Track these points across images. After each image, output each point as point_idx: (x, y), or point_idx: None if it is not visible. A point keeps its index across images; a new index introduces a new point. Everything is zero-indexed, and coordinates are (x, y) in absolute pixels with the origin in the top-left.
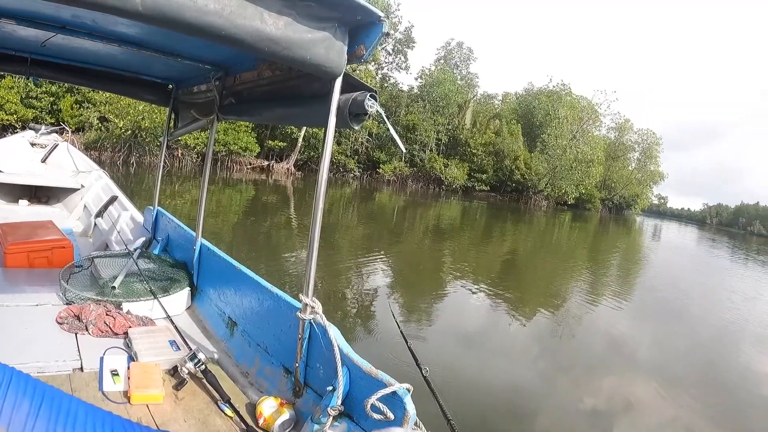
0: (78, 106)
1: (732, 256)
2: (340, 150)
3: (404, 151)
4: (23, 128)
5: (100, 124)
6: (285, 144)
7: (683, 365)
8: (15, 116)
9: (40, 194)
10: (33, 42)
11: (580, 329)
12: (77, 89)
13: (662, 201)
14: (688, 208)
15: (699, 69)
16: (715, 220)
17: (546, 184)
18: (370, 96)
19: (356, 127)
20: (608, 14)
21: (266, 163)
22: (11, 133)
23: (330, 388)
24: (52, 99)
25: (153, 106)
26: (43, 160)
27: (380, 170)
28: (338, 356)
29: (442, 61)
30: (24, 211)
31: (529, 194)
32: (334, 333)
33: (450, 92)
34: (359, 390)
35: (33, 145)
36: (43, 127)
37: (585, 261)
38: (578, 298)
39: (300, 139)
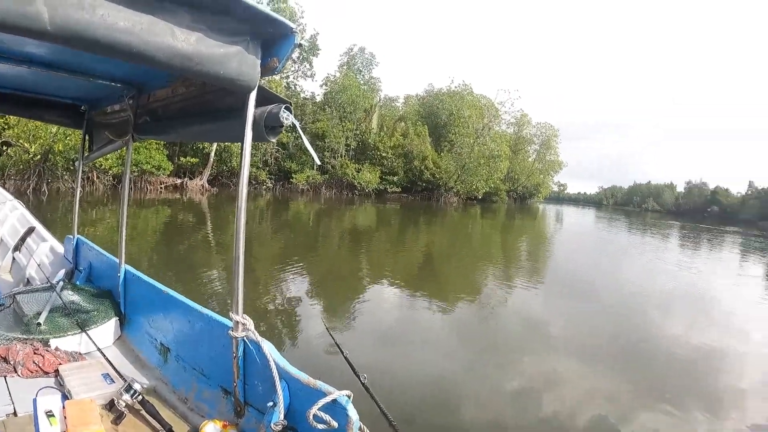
0: None
1: (629, 231)
2: (251, 162)
3: (318, 162)
4: None
5: (12, 150)
6: (197, 160)
7: (597, 338)
8: None
9: None
10: None
11: (500, 314)
12: None
13: (562, 188)
14: (585, 192)
15: (596, 68)
16: (611, 200)
17: (456, 181)
18: (284, 108)
19: (272, 140)
20: (512, 18)
21: (179, 181)
22: None
23: (271, 404)
24: None
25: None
26: None
27: (293, 180)
28: (275, 371)
29: (345, 67)
30: None
31: (440, 192)
32: (268, 348)
33: (356, 97)
34: (300, 402)
35: None
36: None
37: (497, 249)
38: (495, 285)
39: (212, 154)
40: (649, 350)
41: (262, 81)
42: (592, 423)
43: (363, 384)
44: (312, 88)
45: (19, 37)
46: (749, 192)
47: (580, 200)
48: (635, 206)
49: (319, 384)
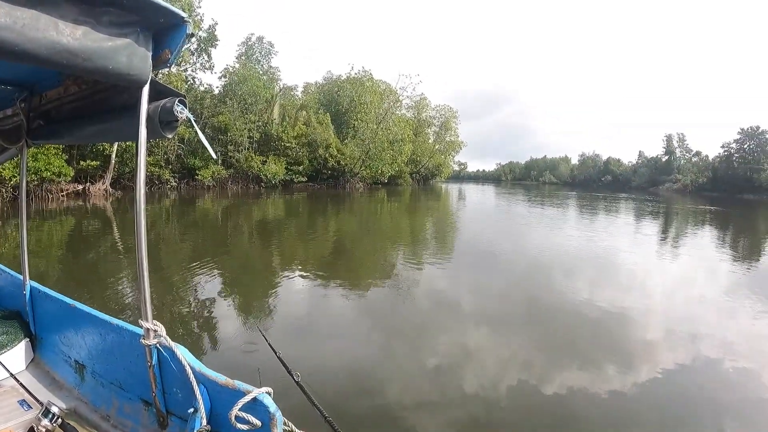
0: None
1: (529, 204)
2: (153, 161)
3: (215, 157)
4: None
5: None
6: (98, 163)
7: (506, 306)
8: None
9: None
10: None
11: (413, 293)
12: None
13: (462, 167)
14: (484, 170)
15: (481, 38)
16: (509, 176)
17: (361, 167)
18: (179, 101)
19: (169, 136)
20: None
21: (80, 186)
22: None
23: (192, 410)
24: None
25: None
26: None
27: (198, 176)
28: (191, 376)
29: (243, 58)
30: None
31: (346, 178)
32: (182, 353)
33: (257, 88)
34: (222, 405)
35: None
36: None
37: (406, 230)
38: (406, 265)
39: (113, 156)
40: (557, 313)
41: (158, 75)
42: (514, 388)
43: (297, 383)
44: (212, 80)
45: None
46: (639, 161)
47: (480, 177)
48: (533, 180)
49: (238, 384)
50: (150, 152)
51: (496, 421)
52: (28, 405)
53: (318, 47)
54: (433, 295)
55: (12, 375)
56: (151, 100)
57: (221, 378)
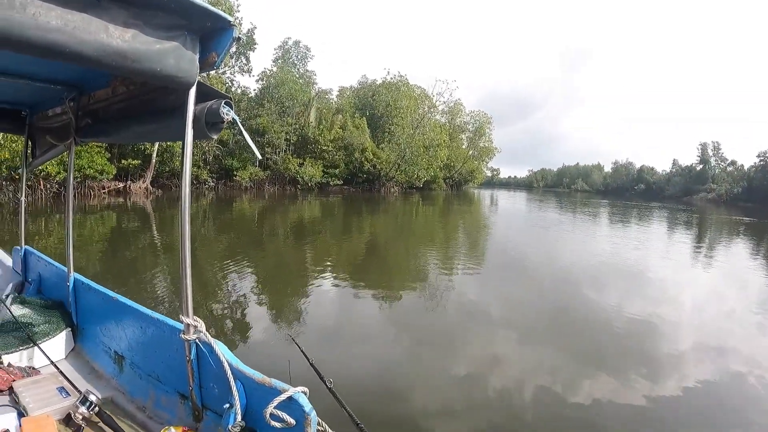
0: None
1: (561, 211)
2: (192, 161)
3: (260, 157)
4: None
5: None
6: (139, 162)
7: (537, 314)
8: None
9: None
10: None
11: (445, 299)
12: None
13: (495, 173)
14: (515, 176)
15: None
16: (541, 183)
17: (396, 171)
18: (224, 103)
19: (214, 137)
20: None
21: (122, 184)
22: None
23: (227, 405)
24: None
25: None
26: None
27: (237, 177)
28: (229, 372)
29: (280, 61)
30: None
31: (381, 182)
32: (221, 349)
33: (295, 91)
34: (257, 402)
35: None
36: None
37: (440, 235)
38: (438, 271)
39: (154, 155)
40: (587, 322)
41: (202, 77)
42: (539, 396)
43: (330, 389)
44: (248, 83)
45: None
46: (673, 170)
47: (512, 184)
48: (565, 187)
49: (274, 382)
50: None
51: (523, 429)
52: (67, 392)
53: (329, 41)
54: (463, 301)
55: (52, 363)
56: (197, 101)
57: (258, 375)
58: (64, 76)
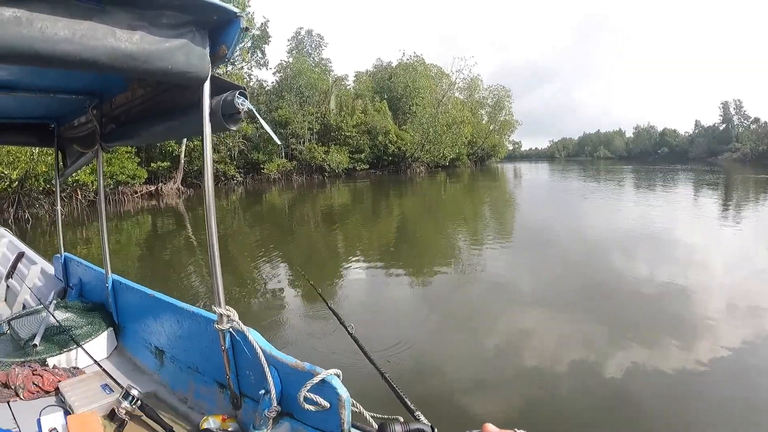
0: None
1: (584, 180)
2: (218, 158)
3: (279, 143)
4: None
5: None
6: (168, 163)
7: (567, 285)
8: None
9: None
10: None
11: (475, 275)
12: None
13: (516, 146)
14: (536, 148)
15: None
16: (563, 153)
17: (421, 151)
18: (239, 93)
19: (233, 128)
20: None
21: (153, 187)
22: None
23: (263, 391)
24: None
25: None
26: None
27: (264, 170)
28: (263, 358)
29: (294, 52)
30: None
31: (407, 163)
32: (254, 337)
33: (313, 80)
34: (292, 386)
35: None
36: None
37: (467, 210)
38: (467, 247)
39: (182, 155)
40: (617, 290)
41: (218, 71)
42: (573, 367)
43: (351, 335)
44: (267, 77)
45: None
46: (696, 131)
47: (533, 156)
48: (587, 156)
49: (307, 366)
50: (214, 149)
51: (559, 402)
52: (110, 389)
53: (364, 34)
54: (494, 276)
55: (96, 362)
56: (212, 95)
57: (291, 360)
58: (85, 85)
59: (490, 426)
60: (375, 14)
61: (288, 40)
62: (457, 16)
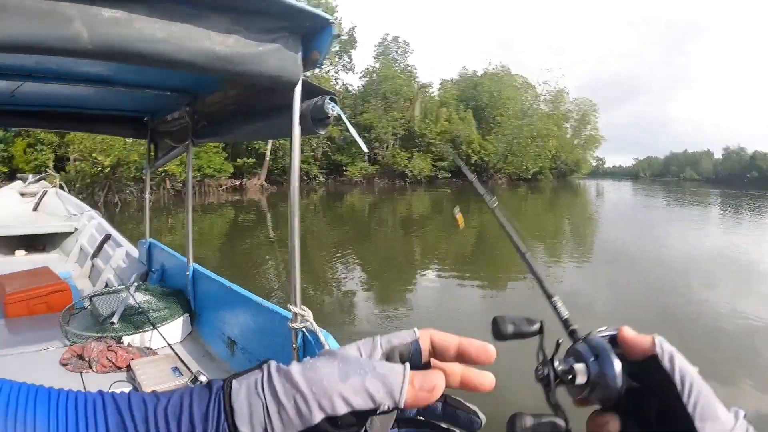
0: (31, 149)
1: (669, 205)
2: (302, 158)
3: (365, 149)
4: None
5: (79, 164)
6: (253, 160)
7: (641, 311)
8: None
9: (36, 242)
10: (1, 93)
11: (556, 293)
12: (27, 132)
13: (600, 162)
14: (620, 165)
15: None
16: (647, 172)
17: (504, 163)
18: (329, 99)
19: (321, 132)
20: None
21: (237, 182)
22: None
23: None
24: (1, 146)
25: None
26: (35, 209)
27: (347, 172)
28: None
29: (381, 57)
30: (21, 261)
31: (489, 174)
32: (325, 338)
33: (399, 86)
34: None
35: (23, 195)
36: (30, 176)
37: (548, 227)
38: (546, 264)
39: (267, 153)
40: (695, 320)
41: (308, 76)
42: None
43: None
44: (353, 81)
45: (74, 59)
46: None
47: (616, 174)
48: (673, 176)
49: None
50: (300, 150)
51: None
52: (180, 372)
53: (449, 42)
54: (570, 294)
55: (169, 345)
56: (303, 99)
57: None
58: (180, 83)
59: (627, 328)
60: (433, 21)
61: (375, 46)
62: (513, 19)
